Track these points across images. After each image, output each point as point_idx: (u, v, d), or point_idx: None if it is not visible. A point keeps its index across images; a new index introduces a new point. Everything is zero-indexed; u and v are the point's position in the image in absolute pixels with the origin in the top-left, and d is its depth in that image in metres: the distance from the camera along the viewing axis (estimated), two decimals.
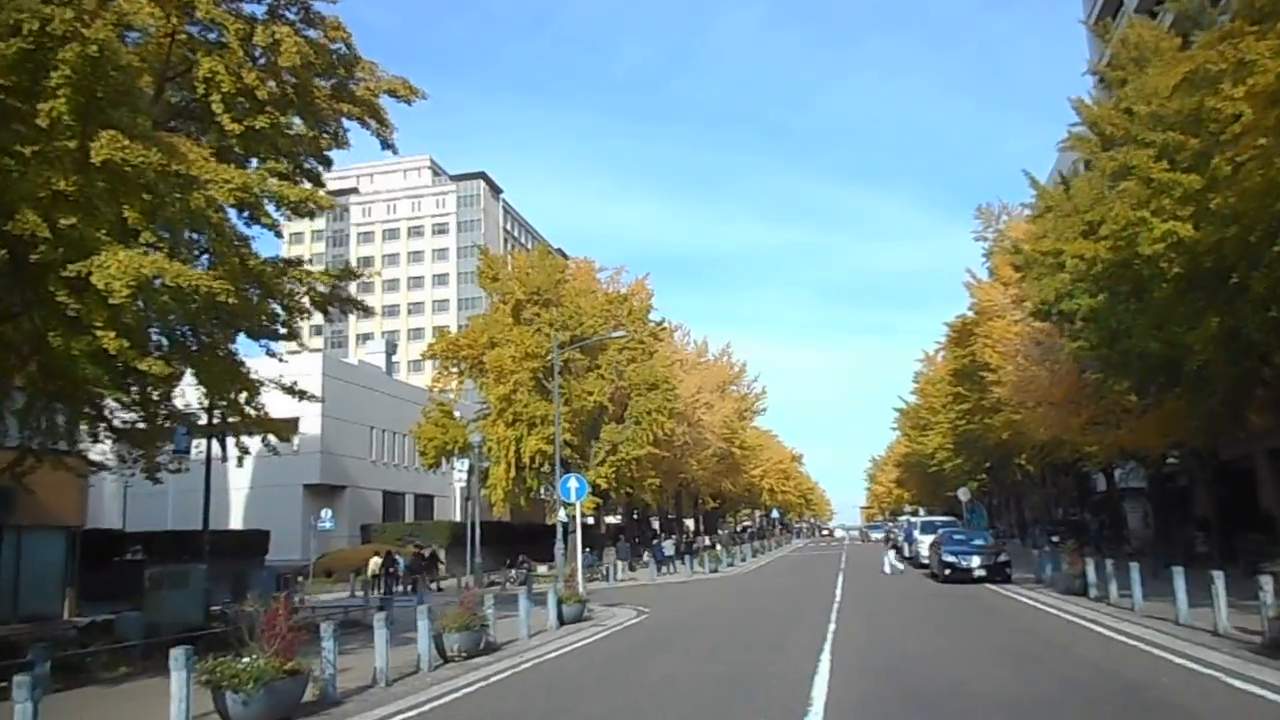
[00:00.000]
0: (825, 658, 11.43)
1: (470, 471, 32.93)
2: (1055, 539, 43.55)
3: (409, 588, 30.72)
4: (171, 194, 9.71)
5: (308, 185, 13.03)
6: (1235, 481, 29.96)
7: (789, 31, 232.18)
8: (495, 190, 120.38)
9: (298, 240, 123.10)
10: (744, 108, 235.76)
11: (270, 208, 11.83)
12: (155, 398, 12.65)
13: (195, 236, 11.70)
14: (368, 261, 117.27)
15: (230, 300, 10.21)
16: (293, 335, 13.84)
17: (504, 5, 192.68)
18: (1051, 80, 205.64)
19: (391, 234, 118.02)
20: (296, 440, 46.79)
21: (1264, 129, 12.17)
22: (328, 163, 13.99)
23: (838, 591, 22.45)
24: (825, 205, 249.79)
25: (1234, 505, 29.38)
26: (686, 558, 36.27)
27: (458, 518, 57.34)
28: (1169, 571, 15.53)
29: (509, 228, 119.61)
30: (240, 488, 46.76)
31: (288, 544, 39.56)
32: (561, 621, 16.56)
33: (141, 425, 13.32)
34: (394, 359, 70.65)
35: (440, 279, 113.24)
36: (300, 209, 11.60)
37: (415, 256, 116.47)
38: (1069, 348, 21.29)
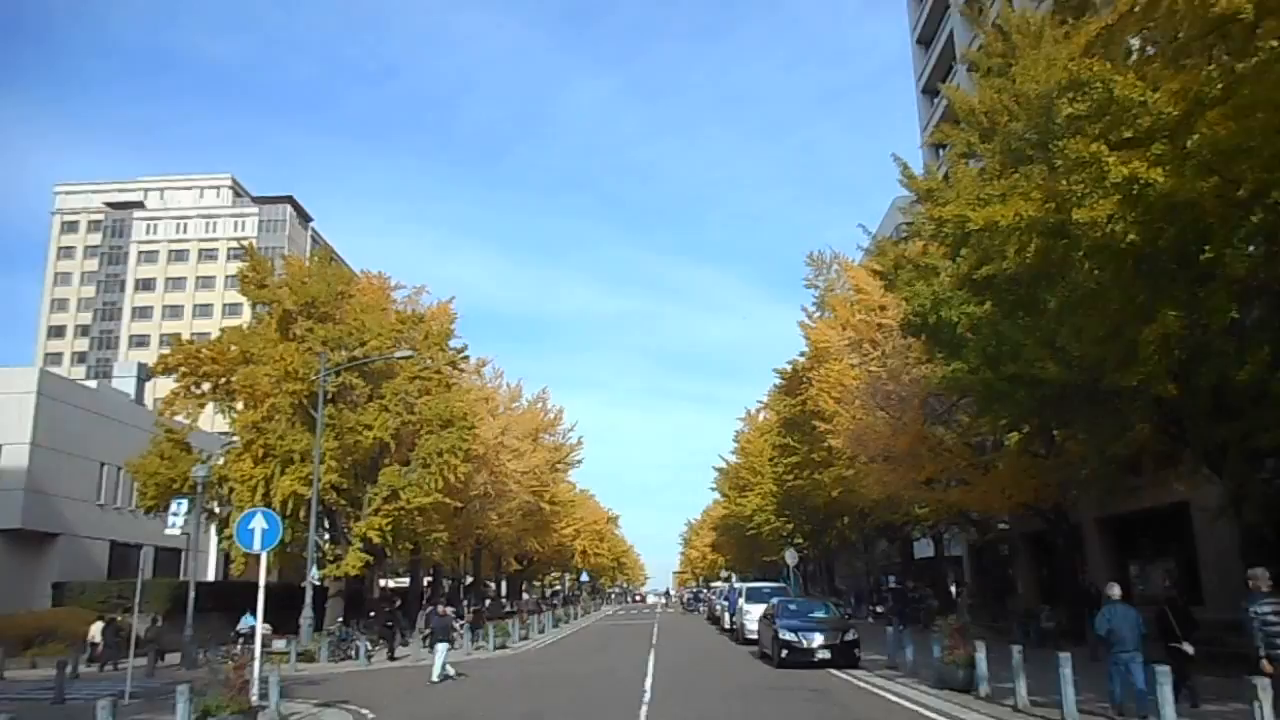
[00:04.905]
0: None
1: (190, 514, 25.52)
2: (879, 609, 40.83)
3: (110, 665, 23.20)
4: None
5: None
6: (1059, 553, 27.71)
7: (633, 110, 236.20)
8: (305, 217, 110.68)
9: (67, 255, 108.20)
10: (585, 177, 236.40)
11: None
12: None
13: None
14: (148, 284, 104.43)
15: None
16: None
17: (353, 53, 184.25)
18: (868, 179, 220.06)
19: (179, 255, 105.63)
20: None
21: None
22: None
23: (647, 684, 17.02)
24: (659, 276, 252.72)
25: (1056, 578, 27.15)
26: (469, 629, 30.04)
27: (211, 576, 48.09)
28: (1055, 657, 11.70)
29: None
30: None
31: None
32: None
33: None
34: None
35: (233, 309, 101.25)
36: None
37: (205, 282, 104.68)
38: (940, 373, 17.43)
